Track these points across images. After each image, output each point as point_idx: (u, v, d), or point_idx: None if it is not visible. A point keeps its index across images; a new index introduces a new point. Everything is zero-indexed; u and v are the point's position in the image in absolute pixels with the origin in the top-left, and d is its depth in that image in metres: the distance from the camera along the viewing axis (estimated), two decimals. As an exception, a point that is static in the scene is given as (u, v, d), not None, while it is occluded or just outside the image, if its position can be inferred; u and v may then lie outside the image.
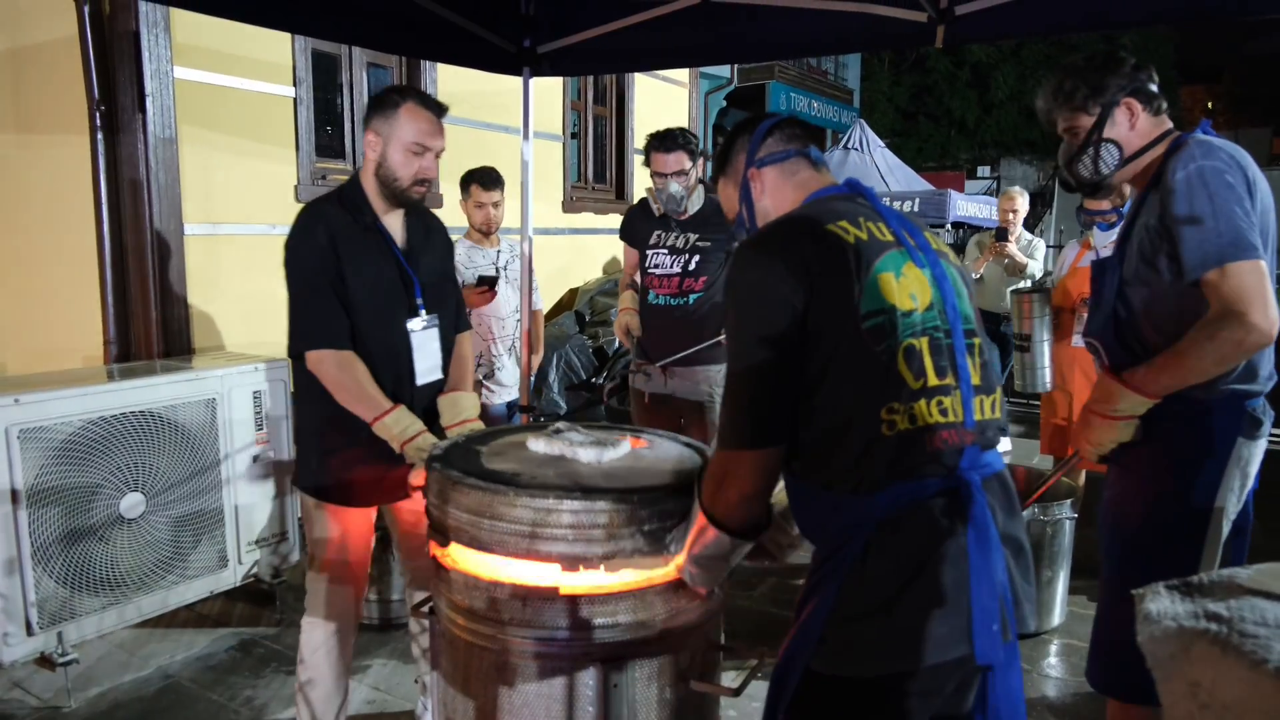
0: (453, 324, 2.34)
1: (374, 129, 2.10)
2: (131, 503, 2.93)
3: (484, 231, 3.60)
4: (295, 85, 4.54)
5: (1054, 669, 3.03)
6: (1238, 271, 1.62)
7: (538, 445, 1.79)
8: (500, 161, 3.90)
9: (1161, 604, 1.21)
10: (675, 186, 3.08)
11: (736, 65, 10.05)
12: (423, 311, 2.19)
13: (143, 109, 3.76)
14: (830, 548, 1.34)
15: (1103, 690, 1.93)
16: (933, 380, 1.32)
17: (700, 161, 3.17)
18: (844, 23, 2.78)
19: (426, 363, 2.22)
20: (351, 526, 2.23)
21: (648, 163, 3.15)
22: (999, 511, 1.34)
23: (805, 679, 1.32)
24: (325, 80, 4.86)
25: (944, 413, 1.32)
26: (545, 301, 4.47)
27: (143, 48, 3.73)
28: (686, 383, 3.24)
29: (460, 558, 1.72)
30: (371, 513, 2.28)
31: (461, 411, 2.24)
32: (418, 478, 1.95)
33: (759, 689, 2.66)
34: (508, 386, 3.86)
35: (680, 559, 1.52)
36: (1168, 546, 1.82)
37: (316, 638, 2.23)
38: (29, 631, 2.73)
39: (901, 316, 1.32)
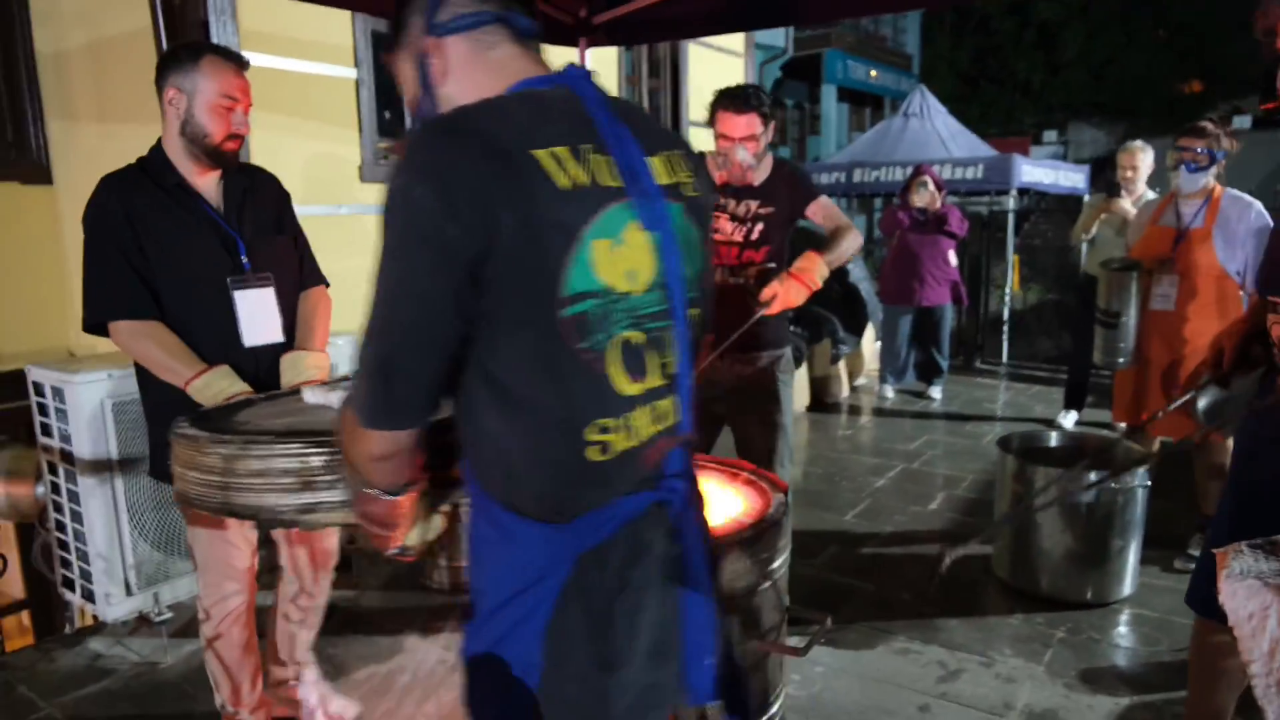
0: (296, 282, 2.18)
1: (174, 85, 1.94)
2: (215, 472, 3.07)
3: None
4: (356, 67, 4.62)
5: (1124, 639, 2.97)
6: None
7: (309, 396, 1.67)
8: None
9: (1245, 562, 1.18)
10: (744, 153, 2.69)
11: (793, 34, 9.88)
12: (248, 270, 2.05)
13: (214, 95, 3.89)
14: (514, 588, 1.03)
15: (1202, 611, 1.90)
16: (653, 380, 1.05)
17: (772, 125, 2.81)
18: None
19: (258, 324, 2.05)
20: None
21: (712, 122, 2.76)
22: (700, 524, 1.16)
23: None
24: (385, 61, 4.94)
25: (660, 418, 1.07)
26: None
27: (212, 35, 3.85)
28: (747, 369, 2.85)
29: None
30: None
31: (302, 371, 2.04)
32: None
33: (821, 652, 2.69)
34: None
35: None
36: None
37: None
38: (128, 592, 2.91)
39: (615, 302, 0.99)
